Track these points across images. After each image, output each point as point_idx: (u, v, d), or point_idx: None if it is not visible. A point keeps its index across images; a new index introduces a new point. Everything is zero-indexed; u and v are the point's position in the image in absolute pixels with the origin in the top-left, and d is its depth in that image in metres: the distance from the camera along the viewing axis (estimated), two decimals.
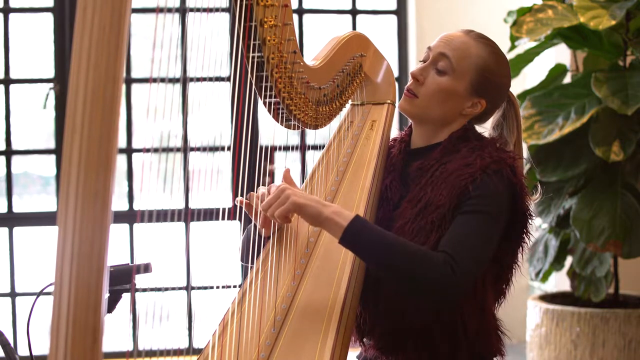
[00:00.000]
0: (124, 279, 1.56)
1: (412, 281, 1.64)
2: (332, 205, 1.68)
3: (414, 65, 4.54)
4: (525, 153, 1.97)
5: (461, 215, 1.69)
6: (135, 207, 4.38)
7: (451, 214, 1.70)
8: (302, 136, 3.64)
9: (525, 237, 1.80)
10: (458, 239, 1.66)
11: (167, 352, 1.56)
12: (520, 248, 1.81)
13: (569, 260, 3.67)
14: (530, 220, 1.78)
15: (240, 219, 1.81)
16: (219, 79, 1.62)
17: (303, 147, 3.76)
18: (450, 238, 1.67)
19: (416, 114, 1.86)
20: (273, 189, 1.75)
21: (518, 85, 4.11)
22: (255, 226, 1.87)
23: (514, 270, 1.83)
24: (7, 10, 4.28)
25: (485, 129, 1.93)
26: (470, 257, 1.64)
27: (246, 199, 1.82)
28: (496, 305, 1.84)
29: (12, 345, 1.56)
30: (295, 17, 4.45)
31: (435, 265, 1.61)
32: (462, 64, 1.80)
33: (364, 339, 1.85)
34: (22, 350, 4.29)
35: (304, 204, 1.66)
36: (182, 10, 3.98)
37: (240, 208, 1.90)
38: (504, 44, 3.57)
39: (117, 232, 4.30)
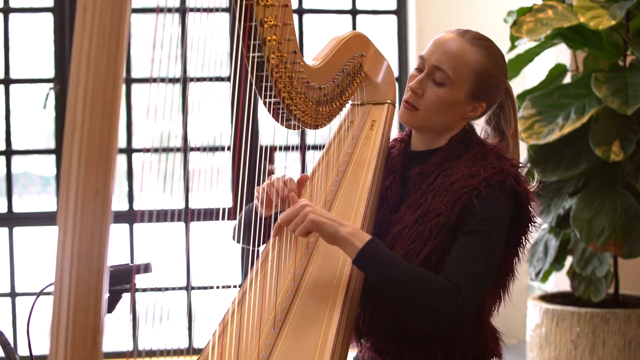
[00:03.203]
0: (124, 279, 1.56)
1: (416, 309, 1.65)
2: (349, 225, 1.68)
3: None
4: (523, 147, 1.96)
5: (464, 236, 1.68)
6: (135, 207, 4.37)
7: (452, 224, 1.70)
8: (302, 136, 3.64)
9: (525, 244, 1.80)
10: (463, 267, 1.66)
11: (167, 352, 1.56)
12: (519, 254, 1.81)
13: (569, 260, 3.67)
14: (532, 227, 1.78)
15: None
16: (219, 79, 1.62)
17: (303, 147, 3.76)
18: (455, 265, 1.66)
19: (418, 126, 1.86)
20: (285, 180, 1.80)
21: (518, 85, 4.11)
22: (255, 209, 1.87)
23: (511, 275, 1.82)
24: (7, 10, 4.28)
25: (478, 124, 1.92)
26: (475, 287, 1.64)
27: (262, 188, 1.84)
28: (493, 309, 1.84)
29: (12, 345, 1.56)
30: (295, 17, 4.45)
31: (441, 298, 1.61)
32: (460, 73, 1.77)
33: (362, 340, 1.86)
34: (22, 350, 4.29)
35: (322, 222, 1.67)
36: (182, 10, 3.98)
37: (240, 207, 1.90)
38: (504, 44, 3.57)
39: (117, 232, 4.30)
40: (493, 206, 1.69)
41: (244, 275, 1.83)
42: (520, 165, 1.79)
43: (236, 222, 1.96)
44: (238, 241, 1.96)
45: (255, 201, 1.88)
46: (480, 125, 1.93)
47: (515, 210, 1.73)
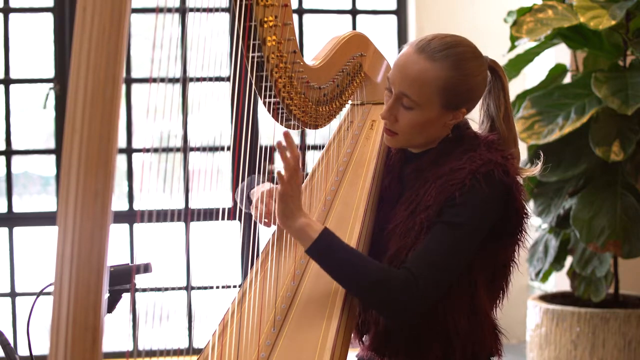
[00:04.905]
0: (124, 279, 1.56)
1: (371, 300, 1.69)
2: (308, 217, 1.68)
3: None
4: (523, 148, 1.95)
5: (437, 225, 1.69)
6: (135, 207, 4.37)
7: (436, 216, 1.70)
8: (302, 136, 3.64)
9: (521, 235, 1.79)
10: (425, 257, 1.67)
11: (167, 352, 1.56)
12: (517, 246, 1.80)
13: (569, 260, 3.67)
14: (525, 218, 1.77)
15: (240, 219, 1.81)
16: (219, 79, 1.62)
17: (303, 147, 3.76)
18: (418, 254, 1.68)
19: (403, 146, 1.87)
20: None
21: (518, 85, 4.11)
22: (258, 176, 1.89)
23: (511, 268, 1.82)
24: (7, 10, 4.28)
25: (472, 120, 1.91)
26: (434, 277, 1.66)
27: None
28: (495, 304, 1.82)
29: (12, 345, 1.56)
30: (295, 17, 4.45)
31: (395, 288, 1.64)
32: (424, 94, 1.73)
33: (363, 340, 1.86)
34: (22, 350, 4.29)
35: (295, 194, 1.65)
36: (182, 10, 3.98)
37: (241, 208, 1.89)
38: (504, 44, 3.59)
39: (117, 232, 4.30)
40: (475, 199, 1.69)
41: (244, 275, 1.83)
42: (511, 156, 1.77)
43: (241, 187, 1.98)
44: (240, 203, 1.97)
45: (252, 211, 1.89)
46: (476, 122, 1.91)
47: (505, 201, 1.72)
